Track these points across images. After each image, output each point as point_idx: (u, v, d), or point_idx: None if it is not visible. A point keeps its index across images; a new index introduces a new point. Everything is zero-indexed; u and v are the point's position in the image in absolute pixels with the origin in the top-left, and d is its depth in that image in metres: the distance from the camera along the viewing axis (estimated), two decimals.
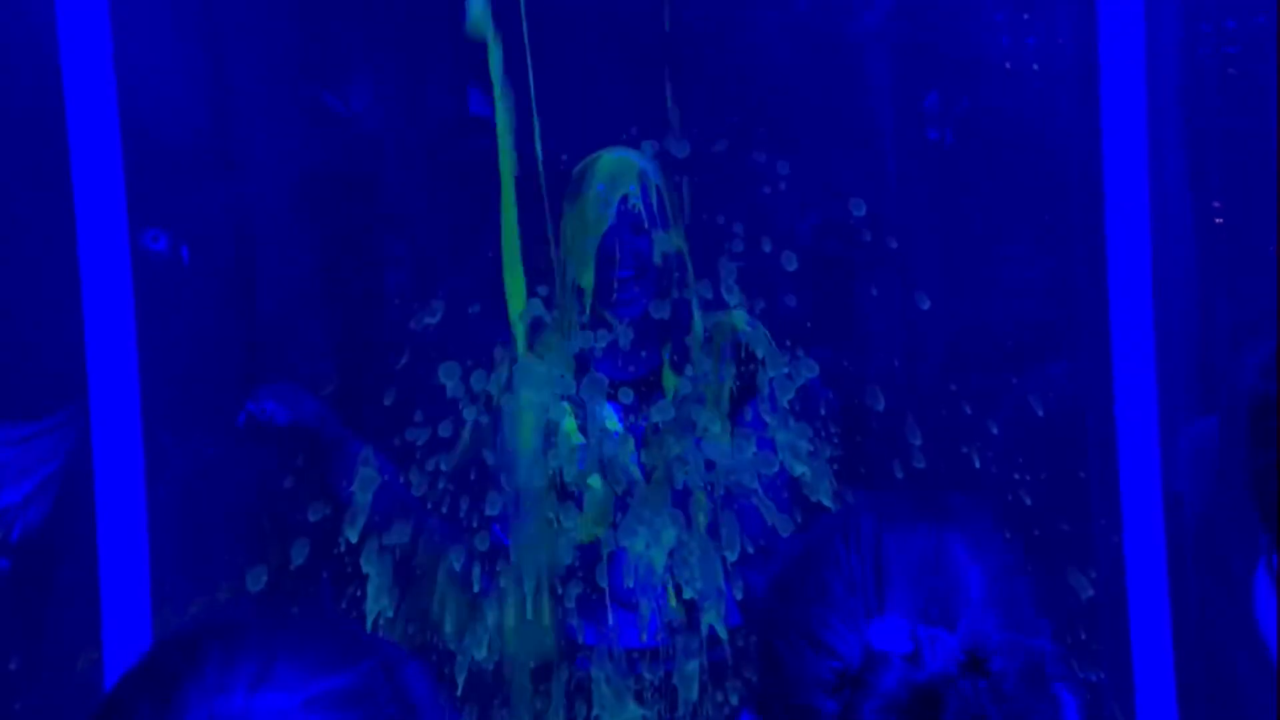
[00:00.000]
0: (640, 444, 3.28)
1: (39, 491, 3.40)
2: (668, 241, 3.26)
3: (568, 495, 3.23)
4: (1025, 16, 3.78)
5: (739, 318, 3.30)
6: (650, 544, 3.20)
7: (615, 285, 3.24)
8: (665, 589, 3.21)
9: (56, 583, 3.36)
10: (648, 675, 3.22)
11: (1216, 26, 3.76)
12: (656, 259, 3.26)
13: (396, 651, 1.22)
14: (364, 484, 3.19)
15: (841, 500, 3.18)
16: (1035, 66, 3.70)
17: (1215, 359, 3.45)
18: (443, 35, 3.66)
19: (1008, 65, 3.70)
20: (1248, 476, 1.47)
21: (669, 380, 3.31)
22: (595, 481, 3.23)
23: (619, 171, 3.25)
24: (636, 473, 3.25)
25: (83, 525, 3.07)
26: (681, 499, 3.24)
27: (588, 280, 3.26)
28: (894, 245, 3.39)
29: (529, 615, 3.18)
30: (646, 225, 3.24)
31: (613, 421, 3.28)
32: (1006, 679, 1.39)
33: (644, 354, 3.30)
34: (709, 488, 3.23)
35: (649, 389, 3.31)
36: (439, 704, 1.20)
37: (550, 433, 3.23)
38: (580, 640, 3.26)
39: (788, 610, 1.47)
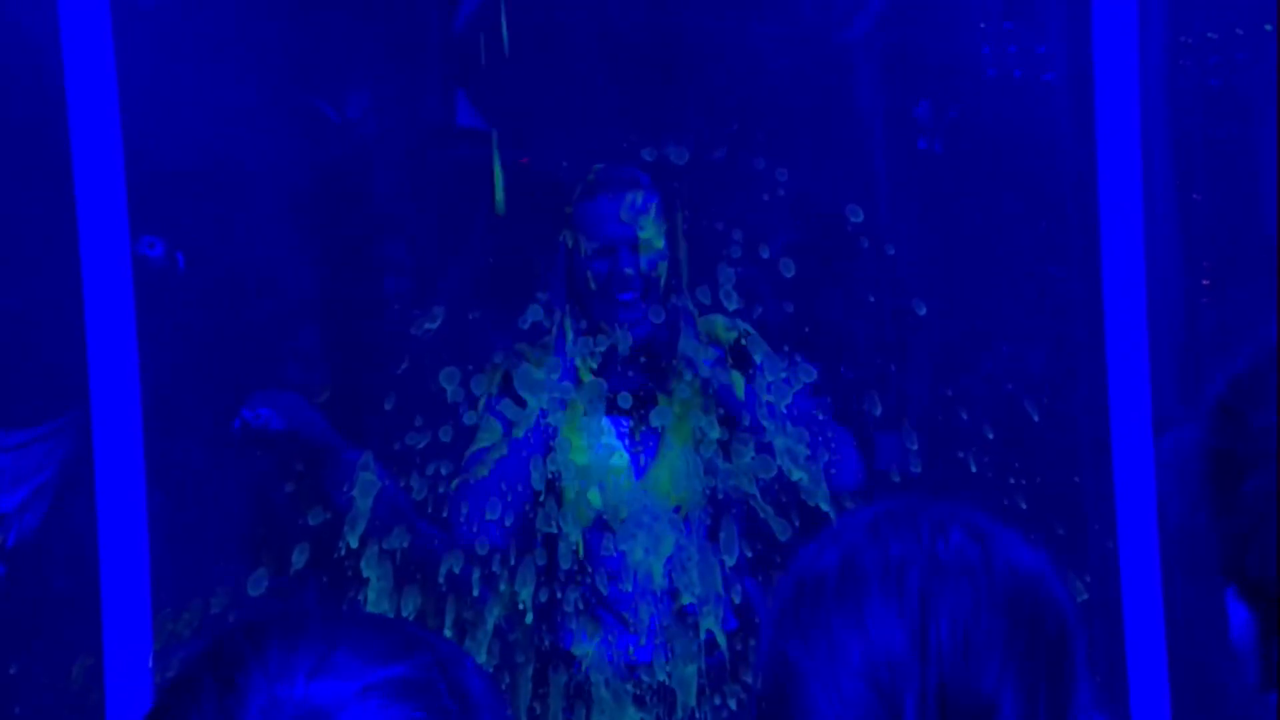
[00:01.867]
0: (638, 451, 3.29)
1: (34, 497, 3.40)
2: (664, 251, 3.27)
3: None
4: (1008, 25, 3.82)
5: (719, 323, 3.32)
6: (649, 550, 3.21)
7: (619, 306, 3.25)
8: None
9: (54, 589, 3.36)
10: (646, 679, 3.23)
11: (1200, 38, 3.80)
12: (644, 266, 3.26)
13: (453, 649, 1.24)
14: (364, 489, 3.19)
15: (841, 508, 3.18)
16: (1017, 73, 3.73)
17: (1208, 366, 3.48)
18: (436, 43, 3.68)
19: (991, 72, 3.73)
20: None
21: (668, 385, 3.32)
22: (594, 496, 3.24)
23: (622, 189, 3.25)
24: (633, 480, 3.26)
25: (80, 531, 3.08)
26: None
27: (589, 299, 3.27)
28: (891, 252, 3.41)
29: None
30: (648, 242, 3.24)
31: (611, 437, 3.29)
32: None
33: (643, 360, 3.31)
34: (707, 493, 3.24)
35: (648, 395, 3.32)
36: (495, 702, 1.21)
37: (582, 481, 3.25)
38: (578, 646, 3.27)
39: (821, 657, 1.37)
